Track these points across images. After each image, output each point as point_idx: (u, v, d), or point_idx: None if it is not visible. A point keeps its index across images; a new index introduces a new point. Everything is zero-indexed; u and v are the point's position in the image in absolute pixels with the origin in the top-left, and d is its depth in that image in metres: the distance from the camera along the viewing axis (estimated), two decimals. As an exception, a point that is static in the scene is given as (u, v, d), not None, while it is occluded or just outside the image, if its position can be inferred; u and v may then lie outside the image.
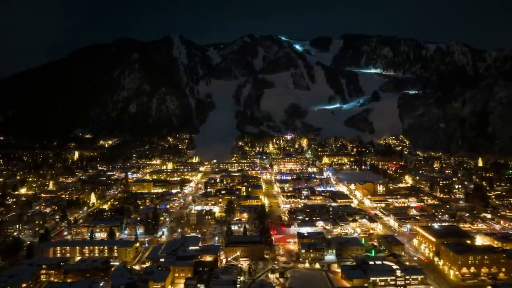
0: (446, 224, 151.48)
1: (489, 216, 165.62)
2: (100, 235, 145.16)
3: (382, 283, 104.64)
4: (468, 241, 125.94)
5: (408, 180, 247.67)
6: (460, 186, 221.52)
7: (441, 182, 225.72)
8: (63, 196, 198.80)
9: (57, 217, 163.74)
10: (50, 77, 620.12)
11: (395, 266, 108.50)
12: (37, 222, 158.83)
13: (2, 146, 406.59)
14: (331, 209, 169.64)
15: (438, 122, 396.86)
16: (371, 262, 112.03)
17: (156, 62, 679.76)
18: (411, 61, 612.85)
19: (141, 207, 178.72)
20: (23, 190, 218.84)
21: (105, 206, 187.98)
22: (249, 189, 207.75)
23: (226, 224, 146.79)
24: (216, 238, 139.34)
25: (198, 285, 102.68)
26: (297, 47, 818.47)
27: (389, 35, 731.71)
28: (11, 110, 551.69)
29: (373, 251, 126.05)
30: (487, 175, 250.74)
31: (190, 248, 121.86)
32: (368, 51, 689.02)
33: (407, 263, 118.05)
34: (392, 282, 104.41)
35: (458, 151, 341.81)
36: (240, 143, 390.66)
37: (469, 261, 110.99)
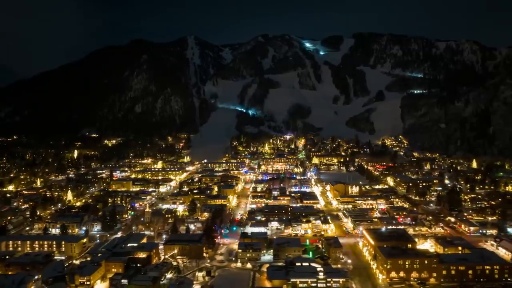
0: (402, 227, 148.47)
1: (453, 219, 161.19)
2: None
3: (305, 285, 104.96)
4: (410, 245, 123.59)
5: (390, 181, 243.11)
6: (440, 188, 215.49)
7: (420, 184, 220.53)
8: (44, 193, 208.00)
9: (28, 213, 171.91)
10: (65, 79, 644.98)
11: (319, 268, 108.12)
12: (9, 217, 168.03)
13: (13, 145, 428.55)
14: (289, 209, 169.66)
15: (439, 122, 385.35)
16: (298, 264, 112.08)
17: (166, 63, 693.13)
18: (420, 60, 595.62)
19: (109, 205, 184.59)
20: (11, 187, 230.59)
21: (79, 203, 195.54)
22: (221, 189, 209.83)
23: (172, 223, 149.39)
24: (164, 236, 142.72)
25: (122, 281, 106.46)
26: (308, 46, 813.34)
27: (401, 33, 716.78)
28: (26, 110, 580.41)
29: (311, 252, 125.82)
30: (476, 177, 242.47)
31: (129, 245, 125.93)
32: (378, 50, 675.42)
33: (339, 265, 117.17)
34: (314, 284, 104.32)
35: (456, 152, 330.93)
36: (234, 143, 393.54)
37: (399, 266, 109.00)
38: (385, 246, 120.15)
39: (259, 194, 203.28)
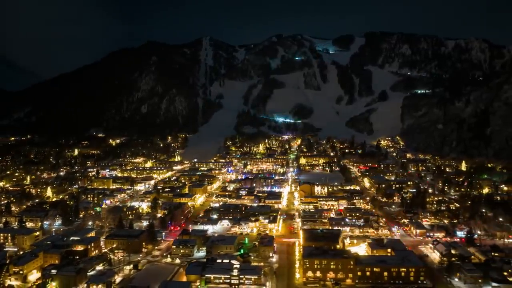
0: (348, 228, 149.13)
1: (407, 221, 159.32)
2: (26, 224, 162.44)
3: (220, 280, 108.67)
4: (338, 246, 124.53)
5: (366, 182, 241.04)
6: (414, 190, 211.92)
7: (394, 186, 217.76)
8: (26, 189, 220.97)
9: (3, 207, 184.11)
10: (80, 81, 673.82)
11: (236, 265, 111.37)
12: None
13: (25, 144, 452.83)
14: (243, 209, 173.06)
15: (438, 123, 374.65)
16: (219, 260, 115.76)
17: (175, 64, 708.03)
18: (429, 59, 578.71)
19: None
20: (2, 183, 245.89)
21: (56, 199, 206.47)
22: (191, 188, 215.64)
23: (118, 219, 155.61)
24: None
25: (52, 271, 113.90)
26: (318, 46, 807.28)
27: (413, 32, 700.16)
28: (42, 110, 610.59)
29: (242, 250, 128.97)
30: (458, 179, 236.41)
31: (71, 238, 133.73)
32: (387, 49, 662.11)
33: (263, 263, 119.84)
34: (227, 280, 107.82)
35: (450, 153, 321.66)
36: (228, 143, 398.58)
37: (315, 265, 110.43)
38: (313, 246, 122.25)
39: (226, 194, 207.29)
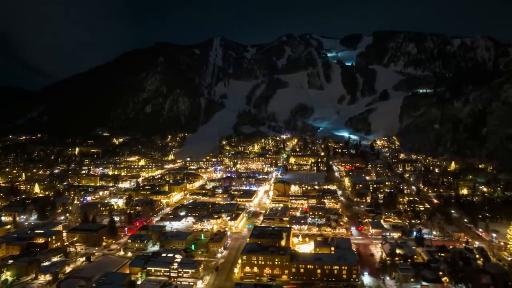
0: (306, 226, 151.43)
1: (368, 221, 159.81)
2: (4, 218, 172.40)
3: (160, 273, 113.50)
4: (283, 243, 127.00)
5: (347, 182, 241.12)
6: (391, 190, 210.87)
7: (371, 186, 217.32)
8: (16, 186, 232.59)
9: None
10: (91, 81, 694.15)
11: (178, 260, 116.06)
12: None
13: (34, 142, 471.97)
14: (210, 206, 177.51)
15: (435, 122, 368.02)
16: (164, 255, 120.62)
17: (181, 65, 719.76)
18: (434, 58, 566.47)
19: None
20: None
21: (42, 195, 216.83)
22: (170, 186, 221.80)
23: (82, 213, 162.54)
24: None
25: (9, 261, 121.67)
26: (325, 46, 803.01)
27: (420, 30, 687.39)
28: (54, 110, 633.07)
29: (193, 245, 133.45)
30: (443, 180, 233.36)
31: (36, 231, 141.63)
32: (394, 48, 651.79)
33: (207, 258, 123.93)
34: (167, 273, 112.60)
35: (443, 154, 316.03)
36: (223, 143, 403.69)
37: (253, 261, 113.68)
38: (259, 242, 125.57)
39: (202, 192, 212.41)
